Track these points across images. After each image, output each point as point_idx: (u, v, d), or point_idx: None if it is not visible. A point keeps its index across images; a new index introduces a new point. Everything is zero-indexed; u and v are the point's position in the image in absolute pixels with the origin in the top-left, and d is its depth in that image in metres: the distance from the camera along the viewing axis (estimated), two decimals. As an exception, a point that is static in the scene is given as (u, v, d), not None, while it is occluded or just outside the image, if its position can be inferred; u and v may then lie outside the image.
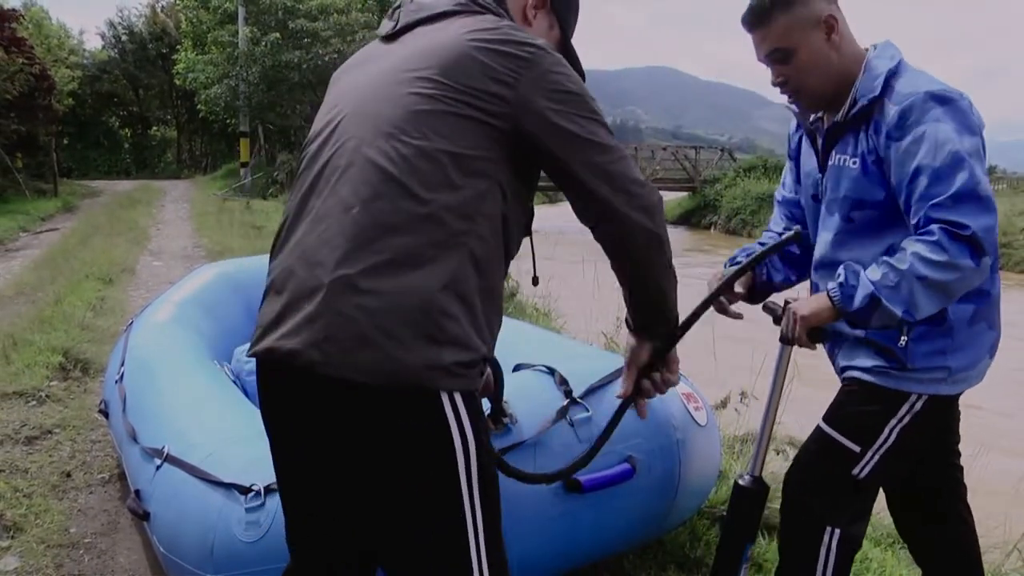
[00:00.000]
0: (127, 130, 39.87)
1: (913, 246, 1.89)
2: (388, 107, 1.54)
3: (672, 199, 36.93)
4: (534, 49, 1.52)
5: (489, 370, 2.08)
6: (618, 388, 2.00)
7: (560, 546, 2.21)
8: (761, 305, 2.29)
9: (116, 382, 3.27)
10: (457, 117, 1.50)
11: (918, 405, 2.08)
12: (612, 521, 2.33)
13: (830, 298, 1.98)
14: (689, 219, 33.01)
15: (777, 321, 2.15)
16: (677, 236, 29.34)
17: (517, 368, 2.63)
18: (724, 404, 4.82)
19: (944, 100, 1.94)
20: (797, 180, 2.40)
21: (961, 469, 2.38)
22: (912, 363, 2.05)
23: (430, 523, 1.53)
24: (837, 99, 2.11)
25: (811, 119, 2.24)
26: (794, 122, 2.37)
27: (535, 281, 1.87)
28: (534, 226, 1.73)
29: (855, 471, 2.13)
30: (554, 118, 1.51)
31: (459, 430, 1.48)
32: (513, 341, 3.04)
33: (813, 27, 2.05)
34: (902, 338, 2.03)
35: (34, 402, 4.59)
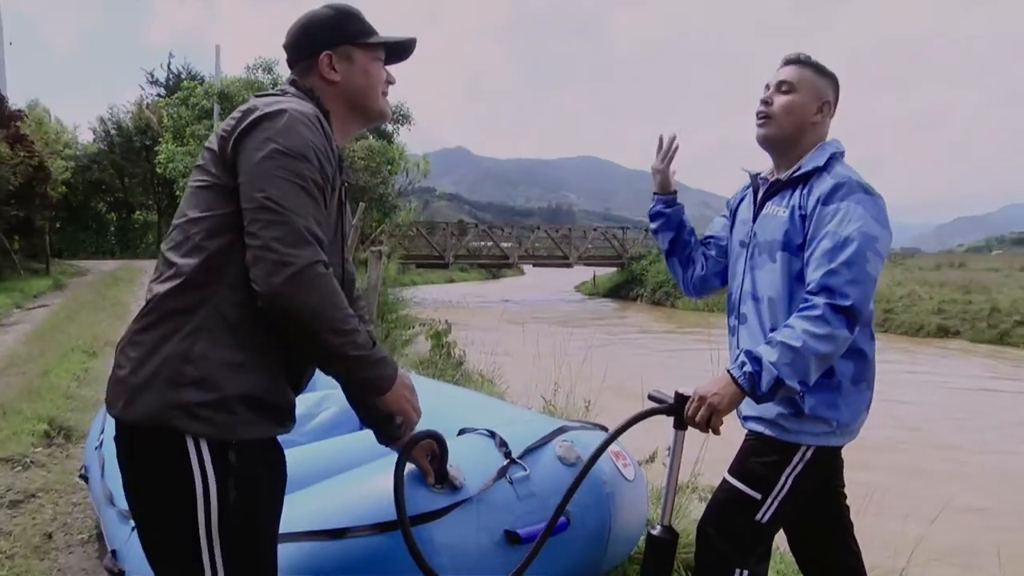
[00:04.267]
0: (113, 214, 39.23)
1: (801, 324, 1.95)
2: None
3: (604, 274, 37.33)
4: (255, 111, 1.57)
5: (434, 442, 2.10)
6: (555, 449, 2.03)
7: (502, 594, 2.18)
8: (648, 395, 2.24)
9: (96, 448, 3.18)
10: (202, 187, 1.59)
11: (808, 455, 2.15)
12: (550, 570, 2.30)
13: (739, 386, 1.98)
14: (619, 292, 33.41)
15: (671, 412, 2.11)
16: (609, 307, 29.58)
17: (462, 432, 2.60)
18: (652, 459, 4.79)
19: (869, 192, 2.08)
20: (731, 228, 2.47)
21: (848, 508, 2.43)
22: (808, 410, 2.11)
23: (171, 561, 1.57)
24: (786, 159, 2.24)
25: (758, 174, 2.36)
26: (743, 185, 2.46)
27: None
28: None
29: (757, 516, 2.17)
30: (249, 158, 1.53)
31: (202, 480, 1.50)
32: (459, 407, 3.04)
33: (815, 96, 2.21)
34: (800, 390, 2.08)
35: (19, 467, 4.43)
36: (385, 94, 1.84)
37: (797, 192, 2.18)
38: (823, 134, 2.26)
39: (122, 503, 2.59)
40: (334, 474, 2.36)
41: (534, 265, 37.83)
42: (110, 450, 3.03)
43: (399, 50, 1.86)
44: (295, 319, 1.50)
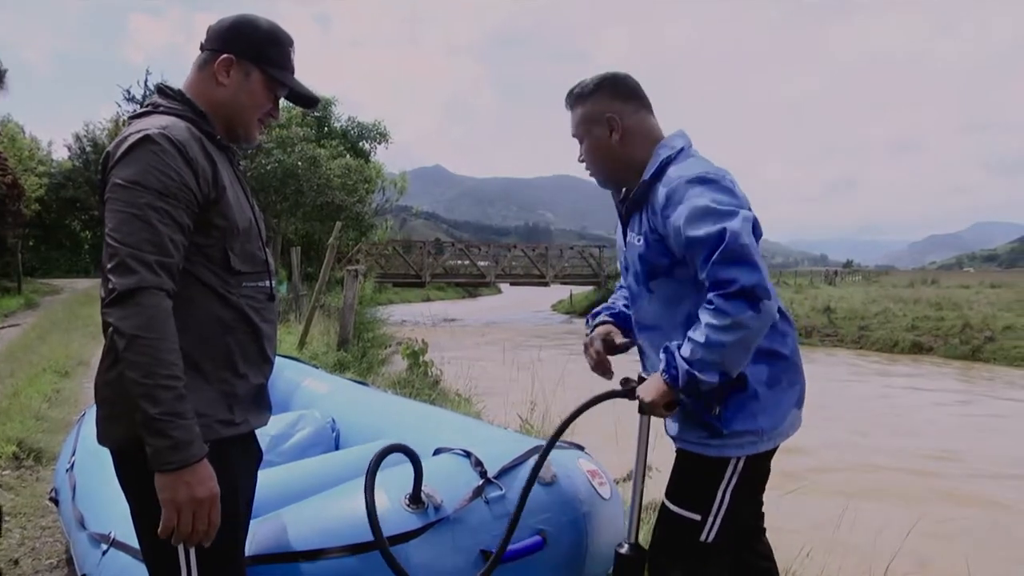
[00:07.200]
0: (87, 232, 38.77)
1: (704, 317, 1.93)
2: None
3: (580, 292, 37.41)
4: (117, 144, 1.60)
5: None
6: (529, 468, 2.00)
7: (478, 614, 2.16)
8: (620, 381, 2.26)
9: (67, 471, 3.13)
10: None
11: (740, 465, 2.10)
12: (526, 589, 2.29)
13: (664, 381, 2.01)
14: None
15: (631, 395, 2.14)
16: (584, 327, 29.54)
17: (437, 451, 2.59)
18: (629, 477, 4.80)
19: (705, 180, 2.00)
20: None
21: (762, 515, 2.42)
22: (728, 428, 2.06)
23: (154, 561, 1.67)
24: (633, 182, 2.18)
25: (619, 199, 2.29)
26: None
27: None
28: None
29: (702, 537, 2.13)
30: (108, 194, 1.57)
31: None
32: (434, 427, 3.03)
33: (597, 123, 2.19)
34: (715, 408, 2.06)
35: (-13, 490, 4.34)
36: (262, 123, 1.84)
37: (643, 214, 2.14)
38: (642, 141, 2.19)
39: (93, 526, 2.55)
40: (309, 495, 2.35)
41: (511, 284, 37.97)
42: (82, 472, 3.00)
43: (299, 98, 1.88)
44: (118, 342, 1.49)
